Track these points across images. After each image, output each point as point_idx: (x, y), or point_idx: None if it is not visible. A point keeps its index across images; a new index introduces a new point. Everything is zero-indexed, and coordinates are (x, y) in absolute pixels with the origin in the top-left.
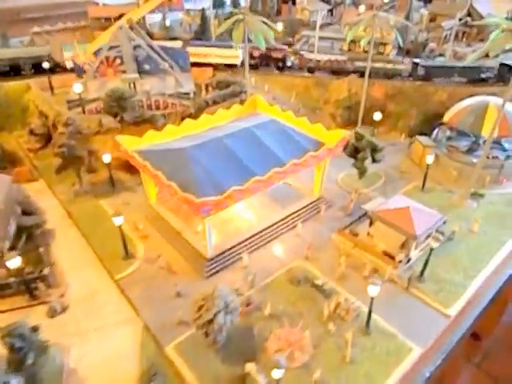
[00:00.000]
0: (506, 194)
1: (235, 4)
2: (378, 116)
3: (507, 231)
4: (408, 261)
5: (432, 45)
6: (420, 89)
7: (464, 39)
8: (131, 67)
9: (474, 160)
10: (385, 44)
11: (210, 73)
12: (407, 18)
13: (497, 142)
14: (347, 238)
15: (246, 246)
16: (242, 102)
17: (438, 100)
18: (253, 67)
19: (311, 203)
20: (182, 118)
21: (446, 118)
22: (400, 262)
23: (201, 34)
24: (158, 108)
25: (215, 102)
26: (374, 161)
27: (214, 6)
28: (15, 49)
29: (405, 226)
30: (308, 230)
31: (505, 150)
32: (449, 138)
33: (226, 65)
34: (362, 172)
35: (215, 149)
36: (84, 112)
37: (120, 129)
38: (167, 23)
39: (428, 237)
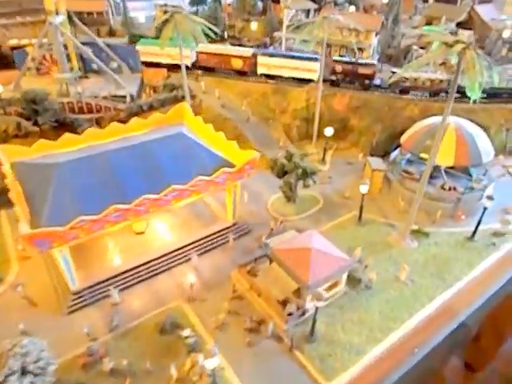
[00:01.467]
0: (458, 233)
1: (218, 1)
2: (329, 131)
3: (442, 283)
4: (303, 313)
5: (421, 51)
6: (389, 102)
7: None
8: (64, 66)
9: (431, 190)
10: (361, 49)
11: (163, 74)
12: (395, 20)
13: (465, 171)
14: (244, 277)
15: (124, 278)
16: (193, 108)
17: (408, 115)
18: (333, 83)
19: (221, 230)
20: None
21: (402, 139)
22: (290, 314)
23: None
24: (90, 111)
25: (152, 108)
26: (304, 185)
27: (194, 3)
28: None
29: (299, 271)
30: (209, 263)
31: (471, 179)
32: (410, 162)
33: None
34: (288, 197)
35: (94, 166)
36: (5, 113)
37: (40, 133)
38: (141, 19)
39: (335, 284)
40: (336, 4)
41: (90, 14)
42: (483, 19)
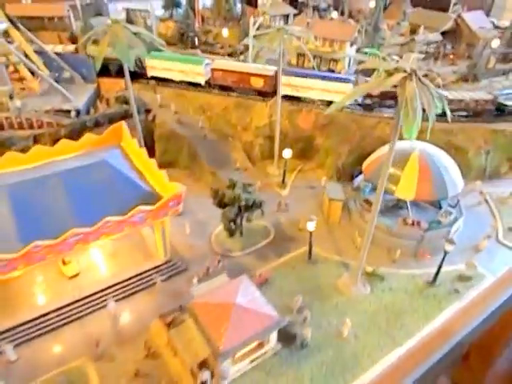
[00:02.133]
0: (419, 276)
1: (192, 5)
2: (287, 154)
3: (390, 341)
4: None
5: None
6: (357, 120)
7: (451, 56)
8: (3, 78)
9: (392, 225)
10: (336, 60)
11: (121, 85)
12: (375, 28)
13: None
14: (163, 330)
15: (25, 330)
16: (145, 124)
17: (378, 135)
18: (367, 108)
19: (149, 270)
20: (55, 141)
21: (364, 166)
22: (204, 383)
23: None
24: (31, 127)
25: (98, 124)
26: (247, 220)
27: (167, 7)
28: None
29: (214, 333)
30: (129, 310)
31: (439, 211)
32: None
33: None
34: (229, 231)
35: None
36: None
37: None
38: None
39: (259, 346)
40: (317, 10)
41: (50, 19)
42: (471, 28)
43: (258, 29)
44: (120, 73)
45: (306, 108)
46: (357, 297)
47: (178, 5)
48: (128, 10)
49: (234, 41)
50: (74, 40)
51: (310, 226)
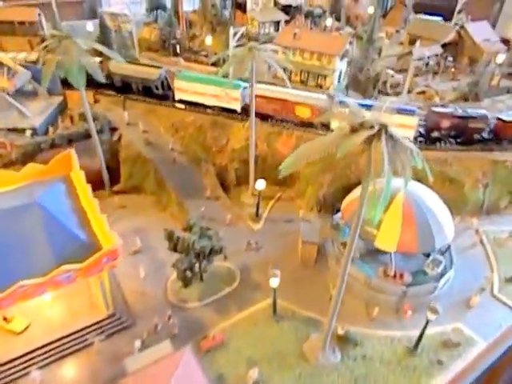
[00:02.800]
0: (399, 339)
1: (176, 9)
2: (261, 184)
3: None
4: None
5: (398, 77)
6: None
7: (452, 70)
8: None
9: (371, 275)
10: (324, 76)
11: (90, 98)
12: (369, 39)
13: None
14: None
15: None
16: (110, 145)
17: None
18: (435, 141)
19: (87, 327)
20: (7, 166)
21: (342, 205)
22: None
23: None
24: None
25: (54, 146)
26: (202, 270)
27: (151, 10)
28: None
29: None
30: (58, 377)
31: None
32: None
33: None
34: (183, 281)
35: None
36: None
37: None
38: (89, 28)
39: None
40: (311, 16)
41: (21, 23)
42: (474, 40)
43: (240, 39)
44: (145, 92)
45: (287, 131)
46: (324, 367)
47: (162, 8)
48: (102, 15)
49: (220, 49)
50: None
51: (273, 282)
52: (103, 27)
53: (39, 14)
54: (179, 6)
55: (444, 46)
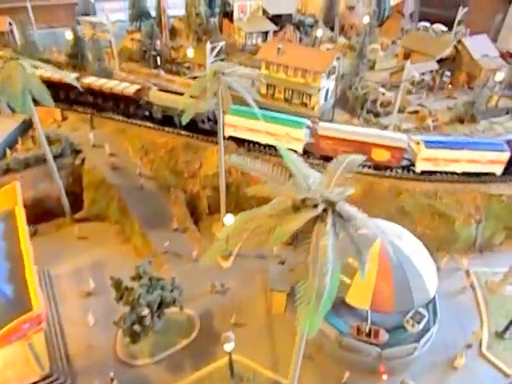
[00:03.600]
0: None
1: (160, 18)
2: (229, 220)
3: None
4: None
5: (389, 95)
6: None
7: (448, 87)
8: None
9: (343, 331)
10: (309, 95)
11: (57, 116)
12: (359, 54)
13: None
14: None
15: None
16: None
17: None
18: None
19: None
20: None
21: None
22: None
23: (74, 59)
24: None
25: (9, 171)
26: (148, 328)
27: (134, 19)
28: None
29: None
30: None
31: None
32: None
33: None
34: (131, 336)
35: None
36: None
37: None
38: (68, 36)
39: None
40: (303, 25)
41: None
42: (472, 55)
43: (220, 53)
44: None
45: (264, 157)
46: None
47: (146, 16)
48: (74, 25)
49: (204, 60)
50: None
51: (227, 347)
52: (77, 37)
53: (10, 23)
54: (162, 15)
55: (441, 60)
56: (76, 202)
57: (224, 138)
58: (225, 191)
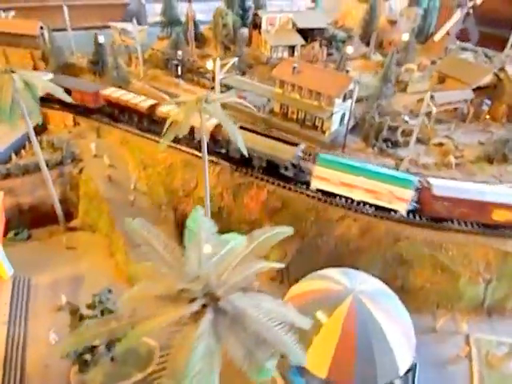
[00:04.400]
0: None
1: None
2: (208, 249)
3: None
4: None
5: (413, 123)
6: (319, 209)
7: (486, 117)
8: None
9: None
10: (321, 119)
11: (68, 121)
12: (385, 77)
13: None
14: None
15: None
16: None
17: (342, 233)
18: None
19: None
20: None
21: (286, 297)
22: None
23: (95, 65)
24: None
25: (9, 176)
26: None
27: (165, 25)
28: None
29: None
30: None
31: None
32: None
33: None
34: (80, 365)
35: None
36: None
37: None
38: (101, 40)
39: None
40: (335, 40)
41: (23, 35)
42: None
43: (234, 69)
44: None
45: (260, 183)
46: None
47: (177, 23)
48: (96, 34)
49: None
50: (45, 60)
51: None
52: (98, 43)
53: (41, 27)
54: (189, 23)
55: (480, 88)
56: (72, 210)
57: (308, 188)
58: (221, 215)
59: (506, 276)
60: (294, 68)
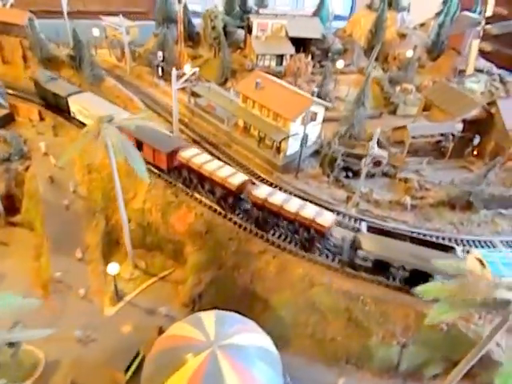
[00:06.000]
0: None
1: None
2: (113, 269)
3: None
4: None
5: (381, 154)
6: (242, 239)
7: (474, 153)
8: None
9: None
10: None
11: (34, 115)
12: (358, 101)
13: None
14: None
15: None
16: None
17: (259, 268)
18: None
19: None
20: None
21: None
22: None
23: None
24: None
25: None
26: None
27: (160, 23)
28: None
29: None
30: None
31: None
32: None
33: None
34: None
35: None
36: None
37: None
38: (95, 33)
39: None
40: (331, 52)
41: (13, 24)
42: (504, 123)
43: (192, 80)
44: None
45: (190, 204)
46: None
47: (171, 20)
48: (75, 30)
49: (213, 76)
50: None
51: None
52: (76, 39)
53: (30, 19)
54: (179, 23)
55: (472, 122)
56: (18, 206)
57: None
58: (150, 229)
59: (428, 342)
60: (257, 83)
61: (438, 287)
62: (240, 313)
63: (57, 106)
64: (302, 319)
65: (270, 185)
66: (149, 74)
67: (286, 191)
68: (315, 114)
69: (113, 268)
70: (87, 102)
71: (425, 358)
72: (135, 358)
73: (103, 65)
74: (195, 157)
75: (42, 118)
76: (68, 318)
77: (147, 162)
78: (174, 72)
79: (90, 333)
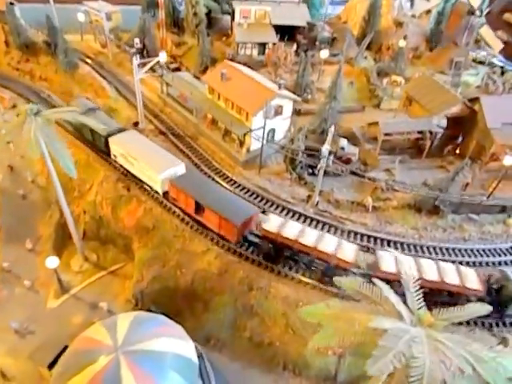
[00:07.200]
0: None
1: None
2: (52, 263)
3: None
4: None
5: (350, 150)
6: (187, 237)
7: (452, 154)
8: None
9: None
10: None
11: (4, 103)
12: (330, 94)
13: None
14: None
15: None
16: None
17: (201, 268)
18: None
19: None
20: None
21: None
22: None
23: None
24: None
25: None
26: None
27: (146, 8)
28: None
29: None
30: None
31: None
32: None
33: None
34: None
35: None
36: None
37: None
38: (80, 18)
39: None
40: (319, 41)
41: None
42: (487, 121)
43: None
44: None
45: (141, 198)
46: None
47: (156, 6)
48: (48, 16)
49: (193, 65)
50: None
51: None
52: (50, 25)
53: (12, 3)
54: (160, 8)
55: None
56: None
57: None
58: (102, 223)
59: (363, 355)
60: (223, 74)
61: (321, 310)
62: (179, 313)
63: (93, 144)
64: (240, 322)
65: (230, 180)
66: (129, 61)
67: (244, 188)
68: (280, 107)
69: (52, 262)
70: (132, 145)
71: (362, 370)
72: (61, 353)
73: (87, 51)
74: (284, 228)
75: (13, 106)
76: (11, 308)
77: (207, 228)
78: (135, 61)
79: (27, 324)
